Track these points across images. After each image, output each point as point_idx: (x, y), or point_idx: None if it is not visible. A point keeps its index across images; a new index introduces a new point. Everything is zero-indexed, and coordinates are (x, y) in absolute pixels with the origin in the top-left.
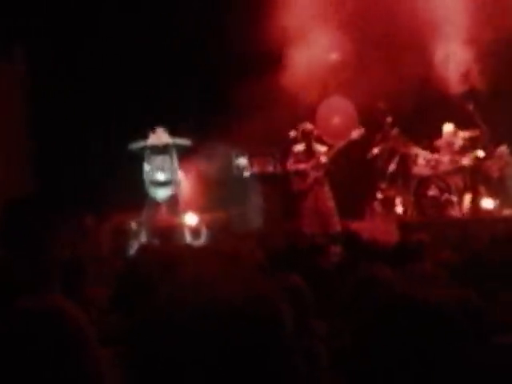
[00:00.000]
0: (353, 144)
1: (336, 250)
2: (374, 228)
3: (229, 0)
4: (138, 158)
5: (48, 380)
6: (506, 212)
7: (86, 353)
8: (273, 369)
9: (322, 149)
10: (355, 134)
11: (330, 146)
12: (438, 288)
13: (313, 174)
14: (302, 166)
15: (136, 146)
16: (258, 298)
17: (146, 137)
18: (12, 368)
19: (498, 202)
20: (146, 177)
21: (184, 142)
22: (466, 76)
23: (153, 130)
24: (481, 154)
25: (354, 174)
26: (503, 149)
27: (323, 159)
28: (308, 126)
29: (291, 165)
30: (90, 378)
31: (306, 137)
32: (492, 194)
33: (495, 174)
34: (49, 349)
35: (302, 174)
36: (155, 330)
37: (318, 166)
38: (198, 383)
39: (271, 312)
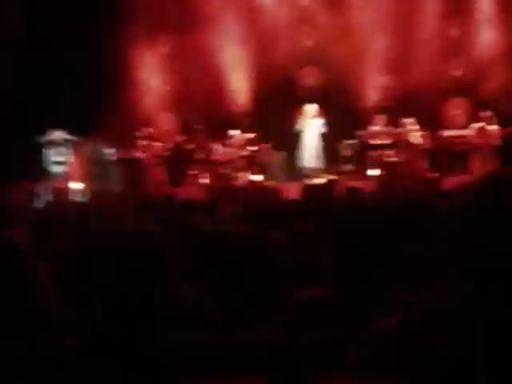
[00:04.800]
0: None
1: None
2: (190, 192)
3: None
4: (45, 146)
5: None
6: (269, 183)
7: (31, 265)
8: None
9: (157, 144)
10: (178, 137)
11: (164, 144)
12: (236, 225)
13: (151, 159)
14: (143, 155)
15: (44, 139)
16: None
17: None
18: None
19: (265, 176)
20: (50, 158)
21: (75, 138)
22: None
23: (56, 129)
24: (255, 148)
25: (179, 159)
26: (268, 145)
27: (158, 150)
28: (150, 130)
29: (138, 153)
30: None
31: (149, 137)
32: (261, 172)
33: (264, 160)
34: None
35: (144, 159)
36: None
37: (156, 154)
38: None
39: (155, 236)
